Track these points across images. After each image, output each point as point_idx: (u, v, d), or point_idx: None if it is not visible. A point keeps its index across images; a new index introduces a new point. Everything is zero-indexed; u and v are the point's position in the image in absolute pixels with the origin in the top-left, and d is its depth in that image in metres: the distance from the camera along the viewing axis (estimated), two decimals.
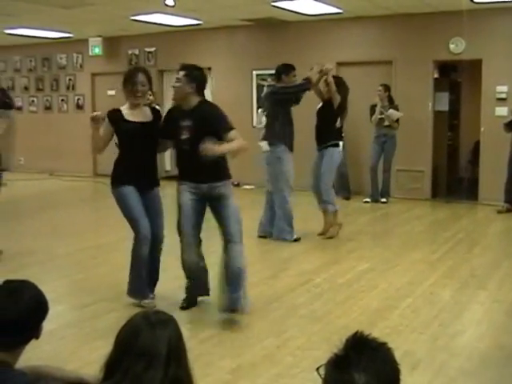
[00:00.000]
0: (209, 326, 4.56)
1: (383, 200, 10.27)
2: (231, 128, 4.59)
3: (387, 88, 10.22)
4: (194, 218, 4.70)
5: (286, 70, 7.39)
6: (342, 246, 7.24)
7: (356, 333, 1.78)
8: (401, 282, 5.74)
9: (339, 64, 11.07)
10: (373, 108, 10.22)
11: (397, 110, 10.11)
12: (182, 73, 4.65)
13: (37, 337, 2.37)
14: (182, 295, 4.98)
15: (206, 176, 4.60)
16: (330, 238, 7.53)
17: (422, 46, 10.45)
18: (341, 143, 7.67)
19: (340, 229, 7.70)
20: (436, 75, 10.96)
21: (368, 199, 10.29)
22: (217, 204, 4.64)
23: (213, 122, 4.57)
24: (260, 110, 8.74)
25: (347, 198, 10.52)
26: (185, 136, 4.58)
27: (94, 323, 4.62)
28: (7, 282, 2.38)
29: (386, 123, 10.09)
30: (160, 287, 5.18)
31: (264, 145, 7.27)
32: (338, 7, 9.93)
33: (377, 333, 4.28)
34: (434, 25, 10.30)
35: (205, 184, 4.62)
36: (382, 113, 10.02)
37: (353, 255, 6.81)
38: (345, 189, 10.66)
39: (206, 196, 4.66)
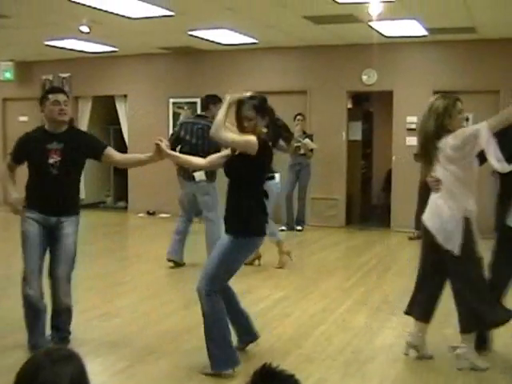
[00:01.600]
0: (122, 358, 4.44)
1: (298, 228, 10.38)
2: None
3: (305, 117, 10.42)
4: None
5: (214, 100, 7.34)
6: (257, 275, 7.23)
7: (264, 365, 1.76)
8: (315, 309, 5.79)
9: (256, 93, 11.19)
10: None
11: (311, 139, 10.29)
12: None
13: None
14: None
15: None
16: (280, 267, 7.58)
17: (336, 76, 10.73)
18: (277, 175, 7.58)
19: (289, 256, 7.74)
20: (349, 105, 11.26)
21: (284, 227, 10.36)
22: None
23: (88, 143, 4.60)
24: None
25: None
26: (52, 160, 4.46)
27: (2, 359, 4.40)
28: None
29: (302, 152, 10.24)
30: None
31: (200, 175, 7.12)
32: (253, 37, 10.07)
33: (291, 361, 4.32)
34: (347, 56, 10.61)
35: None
36: (298, 141, 10.16)
37: (267, 283, 6.82)
38: None
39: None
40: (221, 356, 4.14)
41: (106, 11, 8.05)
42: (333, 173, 10.69)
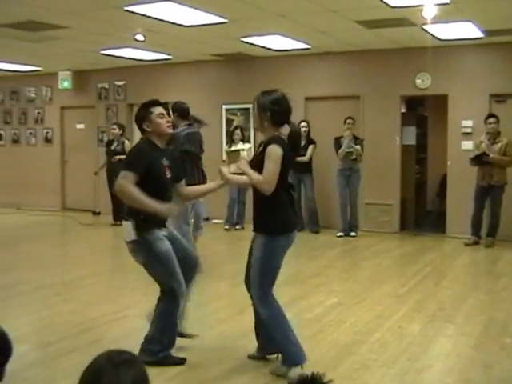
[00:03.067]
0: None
1: (352, 234, 10.30)
2: None
3: (355, 121, 10.32)
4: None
5: None
6: (311, 281, 7.22)
7: (313, 374, 1.76)
8: (369, 316, 5.74)
9: (307, 99, 11.21)
10: (337, 141, 10.26)
11: (362, 144, 10.20)
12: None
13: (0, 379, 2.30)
14: None
15: None
16: None
17: (389, 81, 10.63)
18: None
19: None
20: (403, 110, 11.14)
21: (341, 233, 10.28)
22: None
23: None
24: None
25: (316, 232, 10.55)
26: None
27: (58, 363, 4.51)
28: None
29: (353, 156, 10.16)
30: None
31: None
32: (305, 43, 10.07)
33: (345, 368, 4.30)
34: (400, 60, 10.50)
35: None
36: (350, 147, 10.08)
37: (321, 289, 6.79)
38: (314, 223, 10.69)
39: None
40: (286, 356, 4.19)
41: (160, 20, 8.18)
42: (386, 178, 10.57)
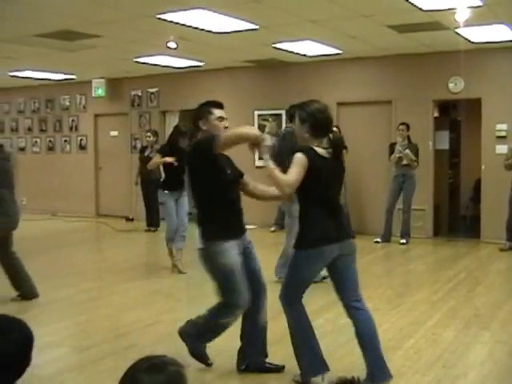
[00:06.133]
0: (211, 369, 4.52)
1: (403, 241, 10.07)
2: None
3: (408, 127, 10.10)
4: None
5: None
6: None
7: (352, 378, 1.77)
8: (403, 322, 5.71)
9: (339, 104, 11.19)
10: (392, 146, 10.15)
11: (415, 149, 10.04)
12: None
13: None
14: None
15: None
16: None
17: (422, 85, 10.56)
18: None
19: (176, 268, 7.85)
20: (436, 114, 11.06)
21: (379, 239, 10.20)
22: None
23: None
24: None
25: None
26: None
27: (94, 367, 4.58)
28: None
29: (405, 162, 10.02)
30: None
31: None
32: (337, 48, 10.07)
33: None
34: (432, 64, 10.43)
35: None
36: (400, 151, 9.98)
37: None
38: None
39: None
40: (309, 364, 4.18)
41: (192, 27, 8.25)
42: (420, 183, 10.46)
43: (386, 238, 10.19)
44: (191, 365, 4.33)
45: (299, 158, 3.91)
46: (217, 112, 4.33)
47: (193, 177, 4.29)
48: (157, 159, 8.01)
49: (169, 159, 7.65)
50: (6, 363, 2.18)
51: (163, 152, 7.91)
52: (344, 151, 10.45)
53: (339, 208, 4.32)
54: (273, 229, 11.29)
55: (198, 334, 4.41)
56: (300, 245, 4.08)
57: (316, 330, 4.98)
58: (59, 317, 6.08)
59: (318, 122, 4.06)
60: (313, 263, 4.13)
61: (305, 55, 10.66)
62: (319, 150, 4.01)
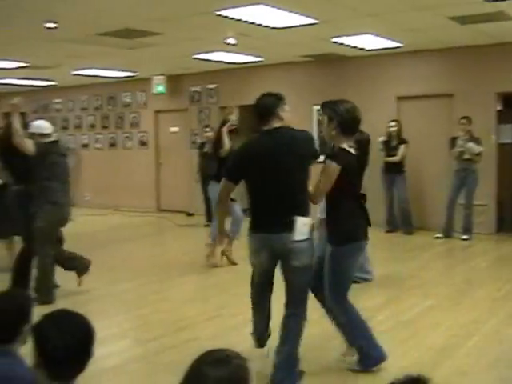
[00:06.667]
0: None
1: (464, 237, 9.87)
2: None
3: (470, 121, 9.87)
4: None
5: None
6: (405, 283, 7.13)
7: (418, 376, 1.75)
8: (465, 319, 5.61)
9: (399, 98, 11.06)
10: (453, 141, 9.93)
11: (478, 143, 9.79)
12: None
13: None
14: None
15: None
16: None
17: (484, 77, 10.31)
18: None
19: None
20: (499, 107, 10.78)
21: (440, 235, 10.01)
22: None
23: None
24: None
25: (410, 233, 10.38)
26: None
27: (158, 358, 4.67)
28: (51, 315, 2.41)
29: (466, 156, 9.79)
30: None
31: None
32: (397, 41, 9.94)
33: (442, 372, 4.23)
34: (495, 56, 10.17)
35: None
36: (462, 146, 9.76)
37: (416, 292, 6.69)
38: (407, 224, 10.52)
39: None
40: (366, 355, 4.29)
41: (251, 23, 8.27)
42: (482, 177, 10.22)
43: (448, 233, 10.00)
44: (253, 359, 4.36)
45: (330, 168, 4.04)
46: (286, 107, 4.28)
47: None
48: None
49: None
50: (68, 357, 2.25)
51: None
52: (403, 145, 10.36)
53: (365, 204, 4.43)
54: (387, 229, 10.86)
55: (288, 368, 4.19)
56: (337, 242, 4.17)
57: (376, 327, 4.97)
58: (121, 309, 6.22)
59: (345, 121, 4.17)
60: (351, 258, 4.24)
61: (364, 49, 10.56)
62: (348, 148, 4.19)
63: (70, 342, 2.24)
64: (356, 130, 4.29)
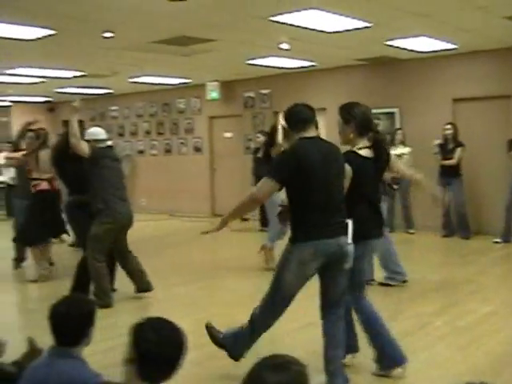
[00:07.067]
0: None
1: None
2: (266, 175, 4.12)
3: None
4: None
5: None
6: (462, 288, 7.00)
7: None
8: None
9: (455, 100, 10.89)
10: (510, 143, 9.71)
11: None
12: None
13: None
14: None
15: None
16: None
17: None
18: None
19: None
20: None
21: (498, 239, 9.78)
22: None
23: None
24: None
25: (467, 238, 10.19)
26: None
27: (212, 363, 4.70)
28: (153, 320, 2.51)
29: None
30: None
31: None
32: (452, 43, 9.79)
33: (503, 380, 4.13)
34: None
35: None
36: None
37: (475, 297, 6.57)
38: (464, 228, 10.33)
39: None
40: (385, 358, 4.34)
41: (304, 28, 8.28)
42: None
43: (507, 237, 9.78)
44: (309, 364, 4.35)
45: (347, 171, 4.19)
46: None
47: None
48: None
49: None
50: (160, 361, 2.32)
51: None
52: (460, 148, 10.18)
53: (378, 205, 4.54)
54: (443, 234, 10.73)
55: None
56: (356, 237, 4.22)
57: (433, 333, 4.91)
58: (178, 314, 6.24)
59: (362, 122, 4.35)
60: (362, 256, 4.32)
61: (419, 51, 10.44)
62: (363, 152, 4.31)
63: (165, 348, 2.35)
64: (370, 129, 4.42)
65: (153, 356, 2.32)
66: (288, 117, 4.26)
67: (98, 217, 6.45)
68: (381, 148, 4.44)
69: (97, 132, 6.77)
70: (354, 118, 4.34)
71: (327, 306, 4.13)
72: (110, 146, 6.90)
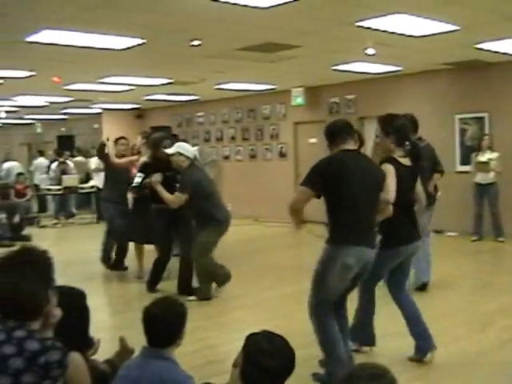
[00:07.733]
0: (416, 378, 4.46)
1: None
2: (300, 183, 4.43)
3: None
4: None
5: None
6: None
7: None
8: None
9: None
10: None
11: None
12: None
13: None
14: None
15: None
16: None
17: None
18: None
19: None
20: None
21: None
22: None
23: None
24: None
25: (500, 241, 10.24)
26: None
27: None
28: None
29: None
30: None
31: None
32: None
33: None
34: None
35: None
36: None
37: None
38: (496, 229, 10.25)
39: None
40: (420, 345, 4.71)
41: (390, 32, 8.20)
42: None
43: None
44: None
45: (389, 168, 4.44)
46: None
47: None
48: None
49: None
50: (268, 379, 2.36)
51: None
52: None
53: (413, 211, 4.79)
54: (474, 238, 10.74)
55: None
56: (382, 245, 4.52)
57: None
58: (264, 318, 6.34)
59: (401, 134, 4.65)
60: (390, 261, 4.68)
61: (509, 54, 10.12)
62: (402, 160, 4.59)
63: (277, 360, 2.41)
64: (407, 140, 4.73)
65: (261, 367, 2.35)
66: (328, 132, 4.49)
67: (206, 231, 6.77)
68: (419, 157, 4.75)
69: (185, 147, 7.01)
70: (395, 130, 4.62)
71: (340, 304, 4.67)
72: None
